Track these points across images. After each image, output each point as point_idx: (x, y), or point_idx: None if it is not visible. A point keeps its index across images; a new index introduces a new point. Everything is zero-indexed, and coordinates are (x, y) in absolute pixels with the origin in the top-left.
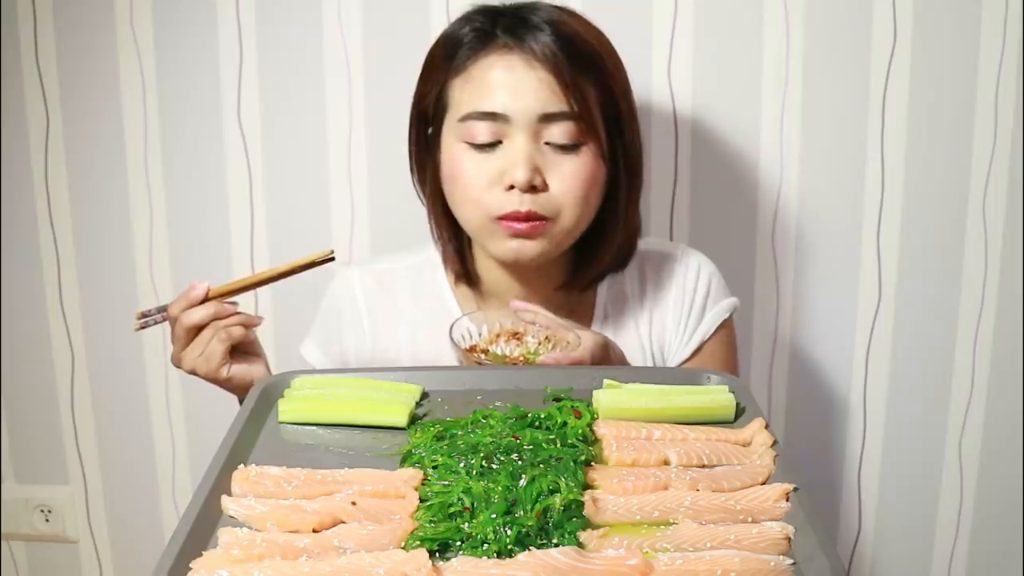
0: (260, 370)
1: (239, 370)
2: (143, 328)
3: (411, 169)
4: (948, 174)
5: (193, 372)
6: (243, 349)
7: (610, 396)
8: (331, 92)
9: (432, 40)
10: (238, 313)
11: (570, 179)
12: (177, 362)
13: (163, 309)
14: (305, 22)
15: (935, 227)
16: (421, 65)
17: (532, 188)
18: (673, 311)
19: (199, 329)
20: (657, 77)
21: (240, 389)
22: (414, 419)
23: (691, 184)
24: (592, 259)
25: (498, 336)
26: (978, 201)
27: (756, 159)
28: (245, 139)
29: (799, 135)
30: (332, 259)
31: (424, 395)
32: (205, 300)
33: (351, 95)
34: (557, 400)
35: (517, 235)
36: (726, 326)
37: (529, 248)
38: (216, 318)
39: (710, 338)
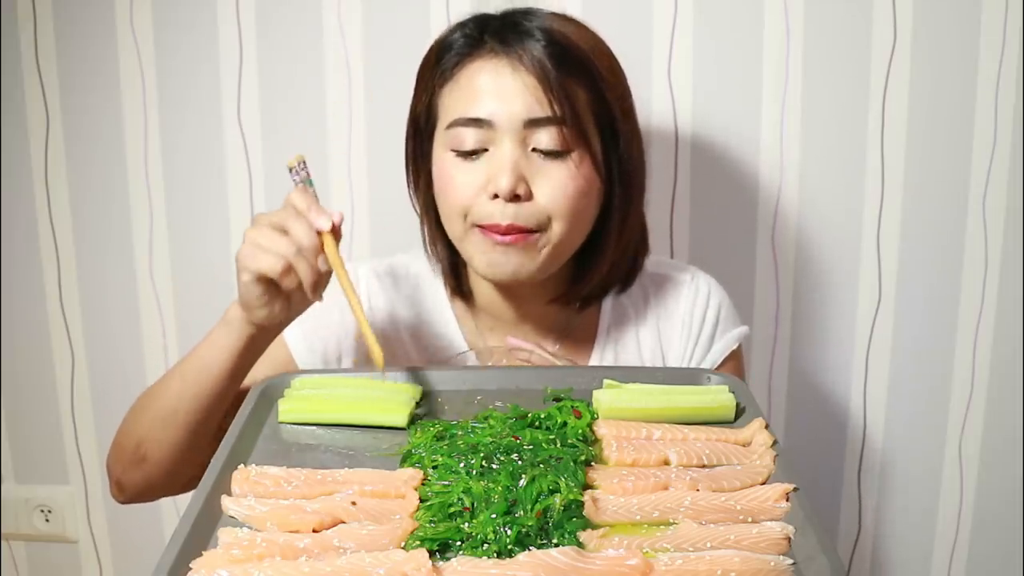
0: (275, 320)
1: (267, 309)
2: (294, 166)
3: (407, 180)
4: (948, 174)
5: (242, 247)
6: (284, 294)
7: (610, 396)
8: (331, 92)
9: (431, 41)
10: (321, 276)
11: (557, 187)
12: (253, 223)
13: (308, 181)
14: (305, 22)
15: (935, 227)
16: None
17: (516, 197)
18: (679, 339)
19: (286, 233)
20: (657, 78)
21: (245, 302)
22: (414, 419)
23: (691, 184)
24: (587, 273)
25: None
26: (978, 201)
27: (756, 159)
28: (245, 139)
29: (799, 135)
30: (381, 372)
31: (424, 395)
32: (333, 230)
33: (351, 95)
34: (557, 400)
35: (498, 246)
36: (735, 357)
37: (510, 262)
38: (307, 249)
39: (717, 369)
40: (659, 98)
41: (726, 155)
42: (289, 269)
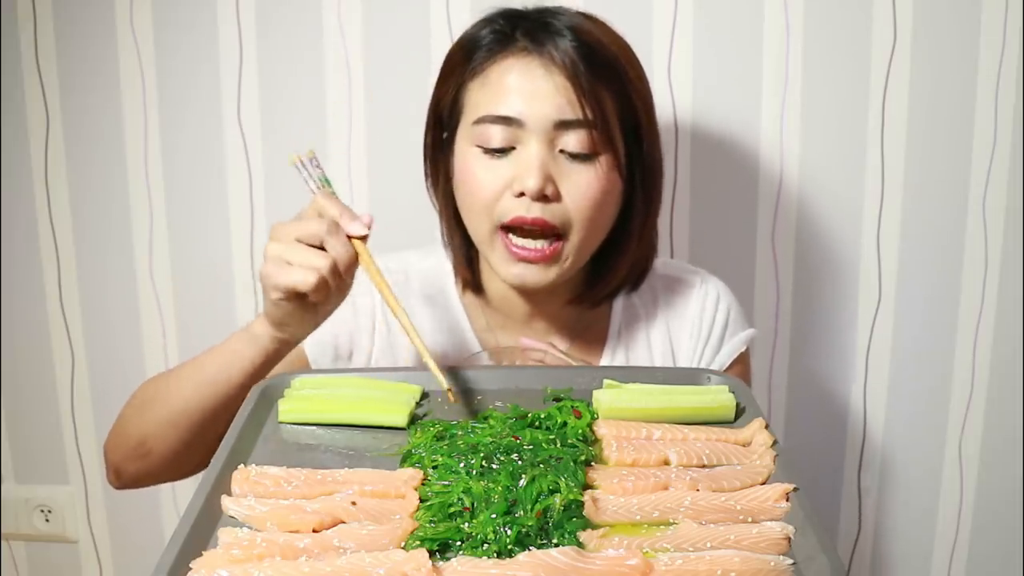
0: (302, 334)
1: (297, 326)
2: (297, 163)
3: (425, 173)
4: (948, 174)
5: (267, 264)
6: (312, 306)
7: (610, 396)
8: (331, 92)
9: (431, 40)
10: (343, 279)
11: (584, 189)
12: (276, 237)
13: (324, 180)
14: (305, 22)
15: (935, 227)
16: (421, 65)
17: (544, 197)
18: (688, 340)
19: (319, 246)
20: (657, 77)
21: (275, 319)
22: (414, 419)
23: (691, 184)
24: (605, 276)
25: None
26: (978, 201)
27: (756, 159)
28: (245, 139)
29: (799, 135)
30: (448, 393)
31: (424, 395)
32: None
33: (351, 95)
34: (557, 400)
35: (523, 260)
36: (742, 360)
37: (534, 275)
38: (344, 262)
39: (725, 371)
40: (659, 94)
41: (726, 153)
42: (322, 283)
